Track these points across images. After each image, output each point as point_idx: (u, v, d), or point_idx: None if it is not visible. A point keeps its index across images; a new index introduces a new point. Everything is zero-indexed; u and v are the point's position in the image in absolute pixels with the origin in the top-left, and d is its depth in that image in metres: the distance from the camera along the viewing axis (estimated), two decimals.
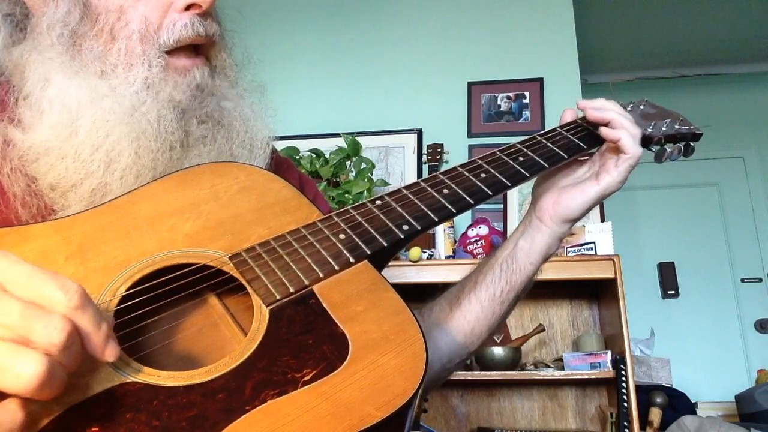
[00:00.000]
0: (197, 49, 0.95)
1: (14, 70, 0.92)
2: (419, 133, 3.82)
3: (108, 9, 0.90)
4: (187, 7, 0.92)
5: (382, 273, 0.80)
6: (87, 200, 0.85)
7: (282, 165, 1.16)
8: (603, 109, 1.04)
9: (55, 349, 0.52)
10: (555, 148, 1.02)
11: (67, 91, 0.87)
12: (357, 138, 3.48)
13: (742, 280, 5.21)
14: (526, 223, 1.08)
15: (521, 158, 0.99)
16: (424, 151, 3.72)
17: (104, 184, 0.86)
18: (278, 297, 0.72)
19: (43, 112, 0.87)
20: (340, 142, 3.47)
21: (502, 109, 3.83)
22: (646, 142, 1.10)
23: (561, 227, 1.05)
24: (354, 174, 3.38)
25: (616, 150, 1.01)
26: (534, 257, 1.06)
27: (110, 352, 0.58)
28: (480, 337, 1.07)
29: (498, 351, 2.95)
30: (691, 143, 1.15)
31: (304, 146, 3.52)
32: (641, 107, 1.18)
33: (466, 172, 0.95)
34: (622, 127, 1.00)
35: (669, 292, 5.20)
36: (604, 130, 1.01)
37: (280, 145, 3.40)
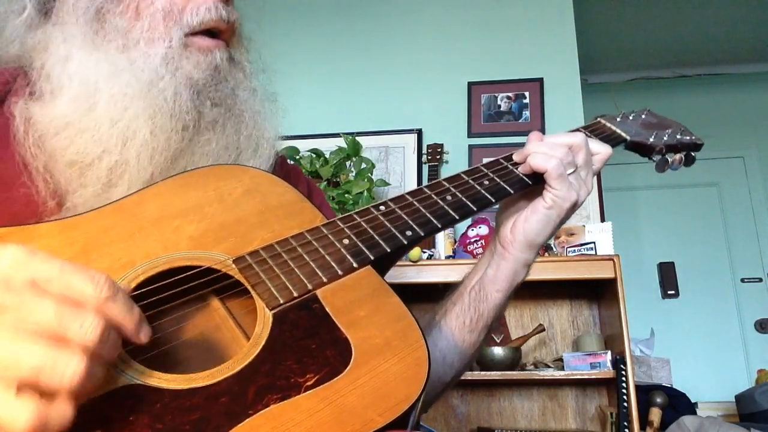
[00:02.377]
0: (218, 34, 0.97)
1: (36, 50, 0.93)
2: (419, 133, 3.82)
3: None
4: None
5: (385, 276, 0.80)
6: (104, 178, 0.86)
7: (291, 173, 1.17)
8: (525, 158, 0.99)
9: (92, 345, 0.54)
10: None
11: (86, 65, 0.89)
12: (357, 138, 3.48)
13: (742, 280, 5.21)
14: (491, 251, 1.05)
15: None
16: (424, 151, 3.73)
17: (121, 162, 0.87)
18: (282, 301, 0.72)
19: (62, 87, 0.88)
20: (340, 142, 3.47)
21: (502, 109, 3.83)
22: (647, 151, 1.11)
23: (524, 253, 1.00)
24: (354, 174, 3.38)
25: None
26: (500, 285, 1.02)
27: (144, 335, 0.60)
28: (453, 367, 1.04)
29: (498, 351, 2.95)
30: (692, 153, 1.15)
31: (304, 146, 3.52)
32: (643, 116, 1.18)
33: (470, 180, 0.96)
34: (529, 152, 0.97)
35: (669, 292, 5.20)
36: (529, 160, 0.96)
37: (280, 145, 3.38)
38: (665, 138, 1.11)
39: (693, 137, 1.15)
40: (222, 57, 0.96)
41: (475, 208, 0.92)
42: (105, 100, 0.87)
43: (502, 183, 0.96)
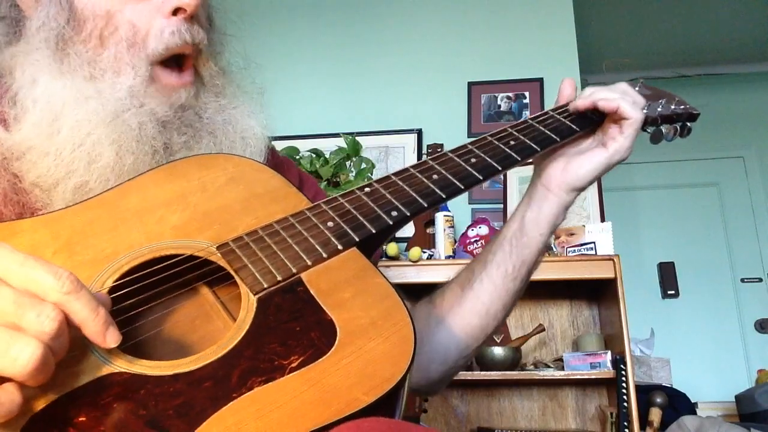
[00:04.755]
0: (185, 59, 0.95)
1: (5, 70, 0.92)
2: (419, 133, 3.82)
3: (95, 14, 0.90)
4: (175, 12, 0.91)
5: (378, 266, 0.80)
6: (70, 198, 0.85)
7: (282, 164, 1.16)
8: (590, 95, 1.02)
9: (46, 337, 0.54)
10: (547, 131, 1.01)
11: (52, 90, 0.88)
12: (357, 138, 3.48)
13: (742, 280, 5.22)
14: (530, 195, 1.06)
15: (512, 142, 0.98)
16: (424, 151, 3.72)
17: (85, 182, 0.86)
18: (266, 285, 0.71)
19: (27, 111, 0.87)
20: (340, 142, 3.47)
21: (502, 109, 3.83)
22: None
23: (569, 195, 1.03)
24: (354, 174, 3.37)
25: (617, 120, 1.00)
26: (543, 227, 1.04)
27: (111, 338, 0.59)
28: (496, 317, 1.05)
29: (498, 351, 2.94)
30: (688, 123, 1.14)
31: (304, 146, 3.52)
32: (636, 89, 1.17)
33: (456, 158, 0.94)
34: (617, 96, 0.99)
35: (669, 292, 5.21)
36: (601, 103, 1.00)
37: (280, 145, 3.40)
38: (659, 109, 1.09)
39: (688, 107, 1.13)
40: (188, 94, 0.95)
41: (462, 186, 0.90)
42: (69, 126, 0.86)
43: (489, 160, 0.94)
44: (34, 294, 0.55)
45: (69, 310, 0.56)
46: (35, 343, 0.52)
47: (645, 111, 1.06)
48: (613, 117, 1.00)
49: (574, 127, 1.03)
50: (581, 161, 1.02)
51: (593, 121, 1.04)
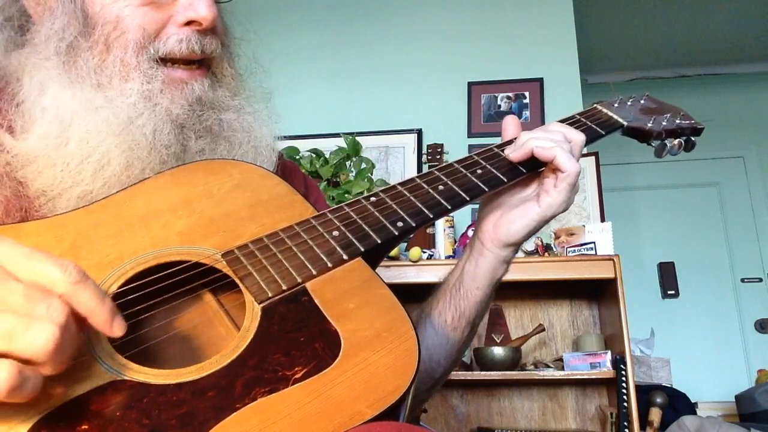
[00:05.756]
0: (197, 61, 0.94)
1: (11, 76, 0.92)
2: (419, 133, 3.81)
3: (105, 20, 0.89)
4: (188, 22, 0.91)
5: (378, 271, 0.79)
6: (74, 206, 0.84)
7: (287, 169, 1.16)
8: (524, 143, 0.94)
9: (59, 324, 0.55)
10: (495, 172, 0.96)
11: (61, 100, 0.87)
12: (357, 138, 3.48)
13: (742, 280, 5.21)
14: (471, 246, 1.01)
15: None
16: (424, 151, 3.72)
17: (89, 191, 0.86)
18: (270, 294, 0.71)
19: (34, 121, 0.87)
20: (340, 142, 3.47)
21: (502, 109, 3.83)
22: (645, 137, 1.08)
23: (503, 251, 0.97)
24: (354, 174, 3.37)
25: (554, 169, 0.92)
26: (479, 282, 0.99)
27: (118, 326, 0.60)
28: (440, 364, 1.02)
29: (498, 351, 2.94)
30: (692, 138, 1.14)
31: (304, 146, 3.52)
32: (642, 102, 1.17)
33: (462, 169, 0.94)
34: (553, 144, 0.91)
35: (669, 292, 5.20)
36: (537, 150, 0.91)
37: (280, 146, 3.39)
38: (664, 123, 1.09)
39: (692, 122, 1.12)
40: (202, 87, 0.94)
41: (467, 197, 0.90)
42: (78, 137, 0.86)
43: (495, 171, 0.94)
44: (42, 287, 0.56)
45: (76, 300, 0.57)
46: (51, 325, 0.53)
47: (649, 125, 1.05)
48: (551, 166, 0.93)
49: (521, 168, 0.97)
50: (513, 216, 0.95)
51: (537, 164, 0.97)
